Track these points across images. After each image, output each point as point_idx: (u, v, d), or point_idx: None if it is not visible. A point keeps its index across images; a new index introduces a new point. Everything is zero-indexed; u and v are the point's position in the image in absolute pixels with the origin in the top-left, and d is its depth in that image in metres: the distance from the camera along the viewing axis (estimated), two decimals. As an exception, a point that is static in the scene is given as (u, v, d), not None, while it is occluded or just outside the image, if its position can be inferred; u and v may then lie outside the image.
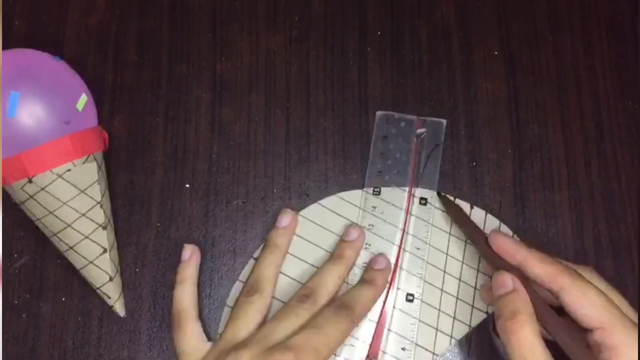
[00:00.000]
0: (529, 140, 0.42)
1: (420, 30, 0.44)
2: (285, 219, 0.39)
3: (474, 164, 0.42)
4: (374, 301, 0.37)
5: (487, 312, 0.39)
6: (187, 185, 0.41)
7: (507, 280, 0.34)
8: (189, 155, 0.42)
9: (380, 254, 0.39)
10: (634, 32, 0.44)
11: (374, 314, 0.38)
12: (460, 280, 0.39)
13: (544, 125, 0.43)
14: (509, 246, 0.35)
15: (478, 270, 0.39)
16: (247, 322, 0.35)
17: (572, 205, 0.41)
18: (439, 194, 0.40)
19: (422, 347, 0.38)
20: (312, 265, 0.39)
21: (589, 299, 0.32)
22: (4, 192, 0.39)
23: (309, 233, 0.40)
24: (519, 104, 0.43)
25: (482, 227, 0.40)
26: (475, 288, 0.39)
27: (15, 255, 0.40)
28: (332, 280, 0.37)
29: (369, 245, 0.39)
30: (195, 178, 0.41)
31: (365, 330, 0.38)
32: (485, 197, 0.41)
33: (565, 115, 0.43)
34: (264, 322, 0.36)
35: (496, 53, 0.44)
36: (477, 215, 0.40)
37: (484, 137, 0.42)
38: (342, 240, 0.39)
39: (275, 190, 0.41)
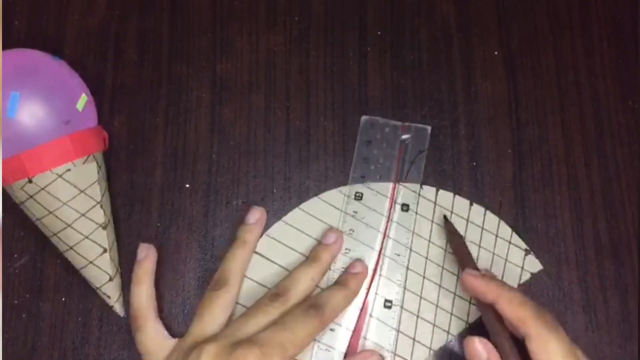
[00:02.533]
0: (529, 140, 0.42)
1: (420, 30, 0.44)
2: (253, 215, 0.39)
3: (474, 164, 0.42)
4: (346, 304, 0.37)
5: (467, 322, 0.39)
6: (187, 185, 0.41)
7: (479, 350, 0.33)
8: (189, 155, 0.42)
9: (358, 259, 0.39)
10: (634, 32, 0.44)
11: (357, 302, 0.38)
12: (421, 295, 0.39)
13: (544, 125, 0.43)
14: (480, 288, 0.34)
15: (440, 286, 0.39)
16: (213, 317, 0.35)
17: (572, 205, 0.41)
18: (445, 217, 0.40)
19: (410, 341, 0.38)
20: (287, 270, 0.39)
21: (548, 354, 0.32)
22: (4, 192, 0.39)
23: (289, 238, 0.40)
24: (519, 104, 0.43)
25: (480, 225, 0.40)
26: (455, 294, 0.39)
27: (15, 255, 0.40)
28: (305, 282, 0.37)
29: (349, 250, 0.39)
30: (195, 178, 0.41)
31: (348, 318, 0.38)
32: (485, 197, 0.41)
33: (565, 115, 0.43)
34: (231, 318, 0.36)
35: (496, 53, 0.44)
36: (476, 212, 0.40)
37: (484, 137, 0.42)
38: (319, 243, 0.39)
39: (275, 190, 0.41)
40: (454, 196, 0.41)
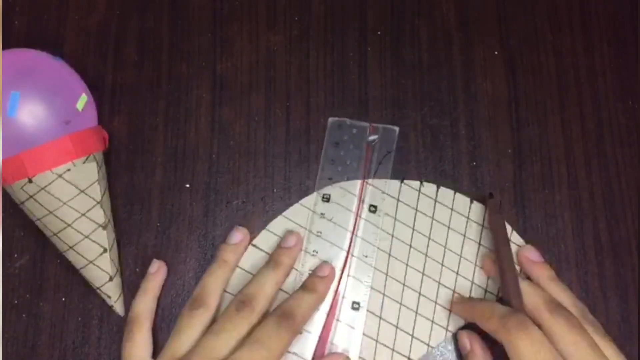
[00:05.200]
0: (529, 140, 0.42)
1: (420, 30, 0.44)
2: (236, 236, 0.39)
3: (474, 164, 0.42)
4: (315, 308, 0.37)
5: (447, 328, 0.39)
6: (187, 185, 0.41)
7: (465, 343, 0.37)
8: (189, 155, 0.42)
9: (325, 262, 0.39)
10: (634, 32, 0.44)
11: (324, 306, 0.38)
12: (404, 284, 0.39)
13: (544, 125, 0.43)
14: (533, 261, 0.38)
15: (424, 274, 0.39)
16: (189, 336, 0.35)
17: (572, 205, 0.41)
18: (491, 195, 0.40)
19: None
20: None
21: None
22: (4, 192, 0.39)
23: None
24: (519, 104, 0.43)
25: (480, 223, 0.40)
26: (435, 302, 0.39)
27: (15, 255, 0.40)
28: (270, 286, 0.36)
29: (317, 252, 0.39)
30: (195, 178, 0.41)
31: (316, 322, 0.38)
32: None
33: (565, 115, 0.43)
34: None
35: (496, 53, 0.44)
36: (476, 210, 0.40)
37: (484, 137, 0.42)
38: (279, 247, 0.39)
39: (275, 190, 0.41)
40: (455, 194, 0.41)
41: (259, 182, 0.41)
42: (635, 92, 0.43)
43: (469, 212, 0.41)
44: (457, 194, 0.41)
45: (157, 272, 0.39)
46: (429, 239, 0.40)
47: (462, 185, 0.41)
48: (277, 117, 0.42)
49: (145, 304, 0.38)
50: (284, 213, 0.40)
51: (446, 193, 0.41)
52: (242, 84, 0.43)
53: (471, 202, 0.41)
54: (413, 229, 0.40)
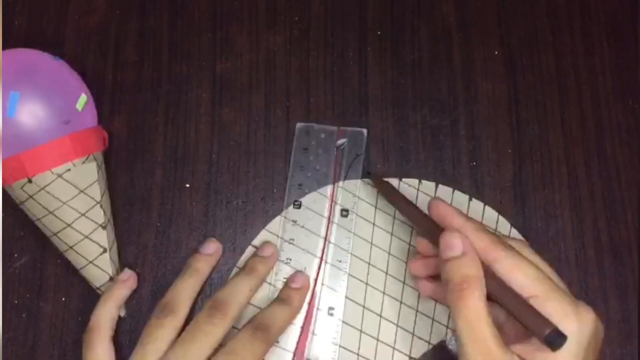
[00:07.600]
0: (529, 140, 0.42)
1: (420, 30, 0.44)
2: (210, 247, 0.39)
3: (474, 164, 0.42)
4: (290, 321, 0.37)
5: (429, 342, 0.39)
6: (187, 185, 0.41)
7: (457, 243, 0.32)
8: (189, 155, 0.42)
9: (299, 272, 0.39)
10: (634, 32, 0.44)
11: (298, 318, 0.38)
12: (384, 293, 0.39)
13: (544, 125, 0.43)
14: (448, 211, 0.34)
15: (404, 283, 0.39)
16: (156, 348, 0.34)
17: (572, 205, 0.41)
18: (368, 173, 0.38)
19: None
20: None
21: (522, 270, 0.31)
22: (4, 192, 0.39)
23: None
24: (519, 104, 0.43)
25: (480, 220, 0.40)
26: (401, 302, 0.39)
27: (15, 255, 0.40)
28: (243, 293, 0.36)
29: (290, 260, 0.39)
30: (195, 178, 0.41)
31: (291, 335, 0.38)
32: (485, 197, 0.41)
33: (565, 115, 0.43)
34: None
35: (496, 53, 0.44)
36: (476, 207, 0.40)
37: (484, 137, 0.42)
38: (255, 255, 0.39)
39: (275, 190, 0.41)
40: (453, 191, 0.41)
41: (259, 182, 0.41)
42: (635, 92, 0.43)
43: (467, 209, 0.41)
44: (456, 192, 0.41)
45: (127, 281, 0.38)
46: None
47: (462, 185, 0.41)
48: (277, 117, 0.42)
49: (108, 312, 0.37)
50: (283, 214, 0.40)
51: (445, 191, 0.41)
52: (242, 84, 0.43)
53: (470, 199, 0.41)
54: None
